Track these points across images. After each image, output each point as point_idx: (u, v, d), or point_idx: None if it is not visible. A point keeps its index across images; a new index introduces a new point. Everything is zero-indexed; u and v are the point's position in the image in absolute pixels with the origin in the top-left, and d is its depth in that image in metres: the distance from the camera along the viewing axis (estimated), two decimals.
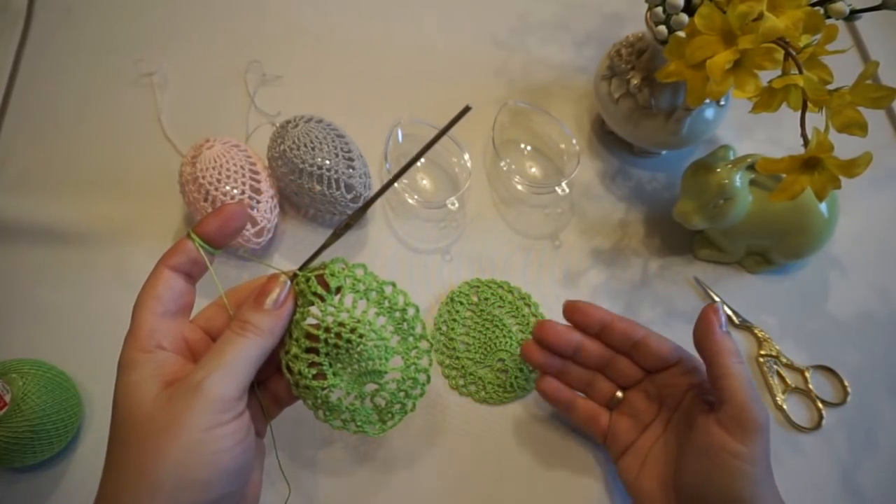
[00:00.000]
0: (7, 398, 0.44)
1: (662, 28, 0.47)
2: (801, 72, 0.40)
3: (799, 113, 0.41)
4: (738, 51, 0.40)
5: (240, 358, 0.32)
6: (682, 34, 0.43)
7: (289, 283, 0.35)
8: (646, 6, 0.48)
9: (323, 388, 0.35)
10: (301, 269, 0.35)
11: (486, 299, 0.55)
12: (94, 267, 0.55)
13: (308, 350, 0.35)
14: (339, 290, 0.35)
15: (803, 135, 0.41)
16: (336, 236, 0.36)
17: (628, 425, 0.47)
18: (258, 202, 0.52)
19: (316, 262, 0.36)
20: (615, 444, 0.47)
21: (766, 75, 0.41)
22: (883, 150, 0.61)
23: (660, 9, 0.46)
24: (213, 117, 0.62)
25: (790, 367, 0.53)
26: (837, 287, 0.57)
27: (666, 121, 0.54)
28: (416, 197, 0.57)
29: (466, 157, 0.59)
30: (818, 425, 0.51)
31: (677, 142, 0.55)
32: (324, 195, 0.53)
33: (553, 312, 0.55)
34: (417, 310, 0.39)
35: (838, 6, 0.41)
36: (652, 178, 0.61)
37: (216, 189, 0.50)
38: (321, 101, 0.63)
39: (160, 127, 0.61)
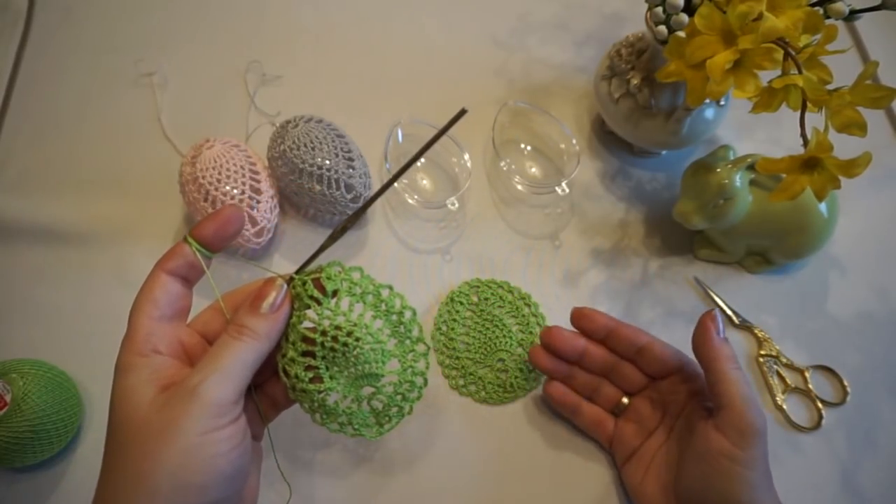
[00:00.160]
0: (7, 398, 0.44)
1: (662, 28, 0.47)
2: (800, 72, 0.40)
3: (799, 113, 0.41)
4: (738, 51, 0.40)
5: (236, 362, 0.32)
6: (682, 34, 0.43)
7: (285, 286, 0.35)
8: (646, 6, 0.48)
9: (320, 392, 0.35)
10: (297, 272, 0.35)
11: (486, 299, 0.55)
12: (94, 267, 0.55)
13: (305, 353, 0.35)
14: (335, 293, 0.35)
15: (803, 135, 0.41)
16: (333, 239, 0.35)
17: (633, 431, 0.47)
18: (258, 202, 0.52)
19: (313, 266, 0.36)
20: (620, 450, 0.47)
21: (766, 75, 0.41)
22: (883, 150, 0.62)
23: (660, 9, 0.46)
24: (213, 117, 0.62)
25: (790, 367, 0.53)
26: (837, 287, 0.57)
27: (666, 121, 0.54)
28: (416, 197, 0.57)
29: (466, 157, 0.59)
30: (818, 425, 0.51)
31: (677, 142, 0.55)
32: (324, 195, 0.53)
33: (553, 312, 0.55)
34: (414, 313, 0.39)
35: (838, 6, 0.41)
36: (652, 178, 0.61)
37: (216, 189, 0.50)
38: (321, 101, 0.63)
39: (160, 127, 0.61)
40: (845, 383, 0.53)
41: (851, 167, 0.40)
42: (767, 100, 0.42)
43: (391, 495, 0.48)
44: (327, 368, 0.36)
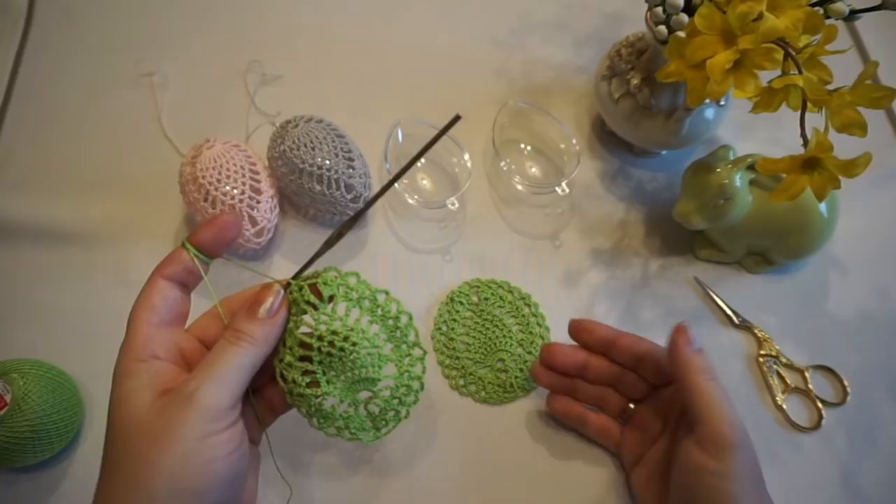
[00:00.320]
0: (7, 398, 0.44)
1: (662, 28, 0.47)
2: (800, 72, 0.40)
3: (799, 113, 0.41)
4: (738, 51, 0.40)
5: (233, 367, 0.32)
6: (682, 34, 0.43)
7: (282, 291, 0.35)
8: (646, 6, 0.48)
9: (317, 396, 0.35)
10: (294, 277, 0.35)
11: (486, 299, 0.55)
12: (94, 267, 0.55)
13: (302, 358, 0.35)
14: (331, 298, 0.35)
15: (803, 135, 0.41)
16: (329, 245, 0.36)
17: (638, 439, 0.47)
18: (258, 202, 0.52)
19: (309, 271, 0.36)
20: (627, 456, 0.48)
21: (766, 75, 0.41)
22: (883, 150, 0.61)
23: (660, 9, 0.46)
24: (213, 117, 0.62)
25: (790, 366, 0.53)
26: (837, 287, 0.57)
27: (666, 121, 0.54)
28: (416, 197, 0.57)
29: (466, 157, 0.59)
30: (818, 425, 0.51)
31: (677, 142, 0.55)
32: (324, 195, 0.53)
33: (553, 312, 0.55)
34: (410, 317, 0.39)
35: (838, 6, 0.41)
36: (652, 178, 0.61)
37: (216, 189, 0.50)
38: (321, 101, 0.63)
39: (160, 127, 0.61)
40: (845, 383, 0.53)
41: (851, 167, 0.40)
42: (767, 100, 0.42)
43: (391, 495, 0.48)
44: (324, 373, 0.36)
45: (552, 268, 0.57)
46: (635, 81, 0.53)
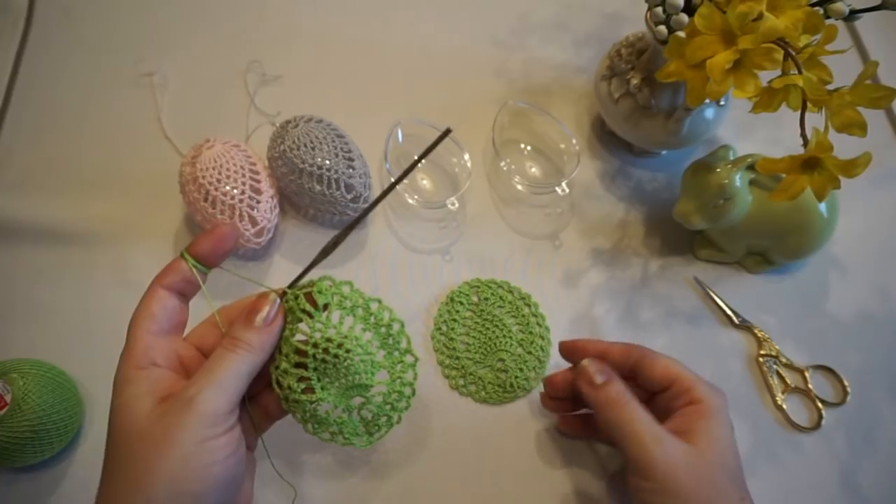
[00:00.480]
0: (7, 398, 0.44)
1: (662, 28, 0.47)
2: (800, 72, 0.40)
3: (799, 113, 0.41)
4: (737, 51, 0.40)
5: (231, 373, 0.33)
6: (682, 34, 0.43)
7: (278, 300, 0.36)
8: (646, 6, 0.48)
9: (311, 402, 0.36)
10: (290, 286, 0.36)
11: (486, 299, 0.55)
12: (94, 267, 0.55)
13: (297, 365, 0.36)
14: (326, 307, 0.36)
15: (803, 135, 0.41)
16: (324, 254, 0.36)
17: None
18: (258, 202, 0.52)
19: (304, 280, 0.37)
20: None
21: (766, 75, 0.41)
22: (883, 150, 0.61)
23: (660, 9, 0.46)
24: (213, 117, 0.62)
25: (790, 366, 0.53)
26: (837, 287, 0.57)
27: (666, 121, 0.54)
28: (416, 197, 0.57)
29: (466, 157, 0.59)
30: (818, 425, 0.51)
31: (677, 142, 0.55)
32: (324, 195, 0.53)
33: (553, 312, 0.55)
34: (402, 325, 0.39)
35: (838, 6, 0.41)
36: (652, 178, 0.61)
37: (216, 189, 0.50)
38: (321, 101, 0.63)
39: (160, 127, 0.61)
40: (845, 383, 0.53)
41: (851, 167, 0.40)
42: (767, 100, 0.42)
43: (391, 495, 0.48)
44: (319, 379, 0.36)
45: (552, 268, 0.57)
46: (635, 81, 0.53)
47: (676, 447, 0.39)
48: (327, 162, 0.52)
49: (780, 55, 0.40)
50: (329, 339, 0.36)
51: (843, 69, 0.42)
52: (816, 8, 0.40)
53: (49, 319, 0.53)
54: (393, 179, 0.56)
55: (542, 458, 0.50)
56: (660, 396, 0.45)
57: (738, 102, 0.55)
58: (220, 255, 0.36)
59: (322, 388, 0.36)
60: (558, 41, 0.68)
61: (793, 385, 0.53)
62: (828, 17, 0.41)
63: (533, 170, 0.61)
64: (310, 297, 0.36)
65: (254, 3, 0.69)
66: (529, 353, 0.53)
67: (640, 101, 0.54)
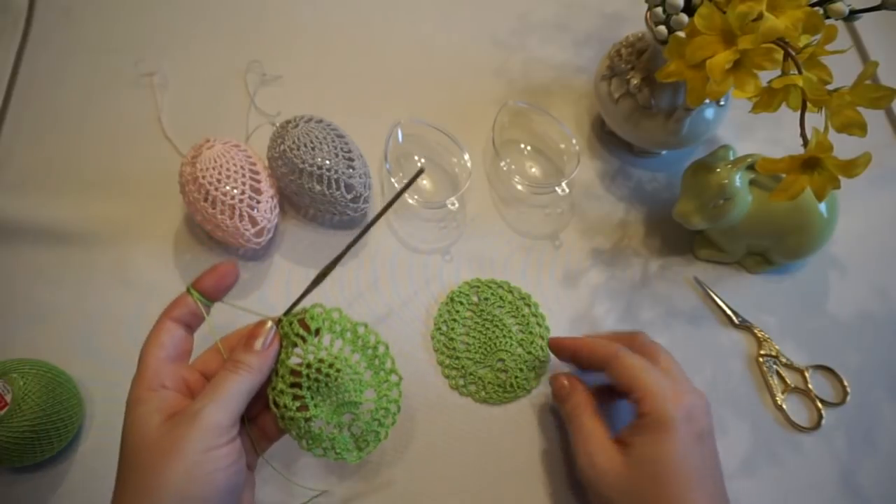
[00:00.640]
0: (8, 398, 0.44)
1: (662, 28, 0.47)
2: (800, 72, 0.40)
3: (799, 113, 0.41)
4: (737, 51, 0.40)
5: (233, 391, 0.36)
6: (682, 34, 0.43)
7: (275, 327, 0.39)
8: (646, 6, 0.48)
9: (306, 419, 0.39)
10: (285, 314, 0.40)
11: (486, 299, 0.55)
12: (94, 267, 0.55)
13: (292, 385, 0.39)
14: (318, 331, 0.39)
15: (803, 135, 0.41)
16: (315, 283, 0.40)
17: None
18: (258, 202, 0.52)
19: (297, 308, 0.40)
20: None
21: (766, 75, 0.41)
22: (882, 150, 0.61)
23: (660, 9, 0.46)
24: (213, 117, 0.62)
25: (790, 366, 0.53)
26: (837, 287, 0.57)
27: (666, 121, 0.54)
28: (416, 197, 0.57)
29: (466, 157, 0.59)
30: (818, 425, 0.51)
31: (677, 142, 0.55)
32: (324, 195, 0.53)
33: (553, 312, 0.55)
34: (387, 347, 0.43)
35: (838, 6, 0.41)
36: (652, 178, 0.61)
37: (216, 189, 0.50)
38: (321, 101, 0.63)
39: (160, 127, 0.61)
40: (845, 383, 0.53)
41: (851, 167, 0.40)
42: (767, 100, 0.42)
43: (391, 495, 0.48)
44: (312, 397, 0.40)
45: (552, 268, 0.57)
46: (635, 81, 0.53)
47: (609, 460, 0.42)
48: (327, 162, 0.52)
49: (780, 55, 0.40)
50: (321, 360, 0.39)
51: (843, 69, 0.42)
52: (816, 8, 0.40)
53: (49, 319, 0.53)
54: (393, 180, 0.56)
55: (542, 458, 0.50)
56: (628, 396, 0.45)
57: (738, 102, 0.55)
58: (222, 290, 0.40)
59: (315, 406, 0.40)
60: (558, 41, 0.68)
61: (793, 385, 0.53)
62: (828, 17, 0.41)
63: (533, 170, 0.61)
64: (303, 323, 0.39)
65: (254, 3, 0.69)
66: (529, 353, 0.53)
67: (640, 101, 0.54)
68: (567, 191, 0.56)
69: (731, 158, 0.51)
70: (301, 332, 0.39)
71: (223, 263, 0.40)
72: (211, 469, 0.34)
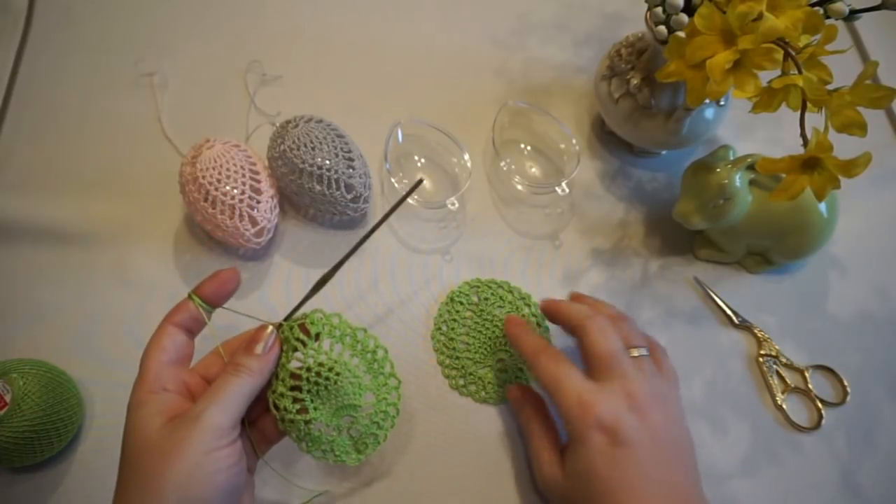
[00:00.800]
0: (7, 398, 0.44)
1: (662, 28, 0.47)
2: (800, 72, 0.40)
3: (799, 113, 0.41)
4: (737, 51, 0.40)
5: (233, 394, 0.37)
6: (682, 34, 0.43)
7: (275, 332, 0.40)
8: (646, 6, 0.48)
9: (306, 422, 0.40)
10: (285, 319, 0.40)
11: (486, 299, 0.55)
12: (94, 267, 0.55)
13: (292, 388, 0.40)
14: (318, 336, 0.40)
15: (803, 135, 0.41)
16: (315, 290, 0.41)
17: None
18: (258, 202, 0.52)
19: (298, 314, 0.40)
20: None
21: (766, 75, 0.41)
22: (883, 150, 0.62)
23: (660, 9, 0.46)
24: (213, 117, 0.62)
25: (790, 366, 0.53)
26: (837, 287, 0.57)
27: (666, 121, 0.54)
28: (416, 197, 0.57)
29: (466, 157, 0.59)
30: (818, 425, 0.51)
31: (677, 142, 0.55)
32: (324, 195, 0.53)
33: None
34: (386, 351, 0.43)
35: (838, 6, 0.41)
36: (652, 178, 0.61)
37: (216, 189, 0.50)
38: (321, 101, 0.63)
39: (160, 127, 0.61)
40: (845, 383, 0.53)
41: (851, 167, 0.40)
42: (767, 100, 0.42)
43: (390, 495, 0.48)
44: (312, 400, 0.40)
45: (552, 268, 0.57)
46: (635, 81, 0.53)
47: (553, 473, 0.43)
48: (327, 162, 0.52)
49: (780, 55, 0.40)
50: (321, 364, 0.40)
51: (843, 69, 0.42)
52: (816, 8, 0.40)
53: (49, 319, 0.53)
54: (393, 180, 0.56)
55: None
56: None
57: (738, 102, 0.55)
58: (223, 296, 0.40)
59: (315, 409, 0.40)
60: (558, 41, 0.68)
61: (793, 385, 0.53)
62: (828, 17, 0.41)
63: (533, 170, 0.61)
64: (303, 328, 0.40)
65: (254, 3, 0.69)
66: None
67: (640, 101, 0.54)
68: (567, 191, 0.56)
69: (731, 158, 0.51)
70: (301, 336, 0.40)
71: (224, 270, 0.40)
72: (212, 470, 0.34)
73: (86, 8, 0.68)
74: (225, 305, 0.41)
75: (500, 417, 0.51)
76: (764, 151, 0.51)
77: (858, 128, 0.40)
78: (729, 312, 0.55)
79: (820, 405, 0.52)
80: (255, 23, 0.68)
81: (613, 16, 0.70)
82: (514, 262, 0.57)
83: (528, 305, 0.55)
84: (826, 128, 0.40)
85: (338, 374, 0.40)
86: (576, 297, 0.52)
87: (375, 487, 0.48)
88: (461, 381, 0.52)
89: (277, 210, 0.54)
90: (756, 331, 0.54)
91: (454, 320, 0.54)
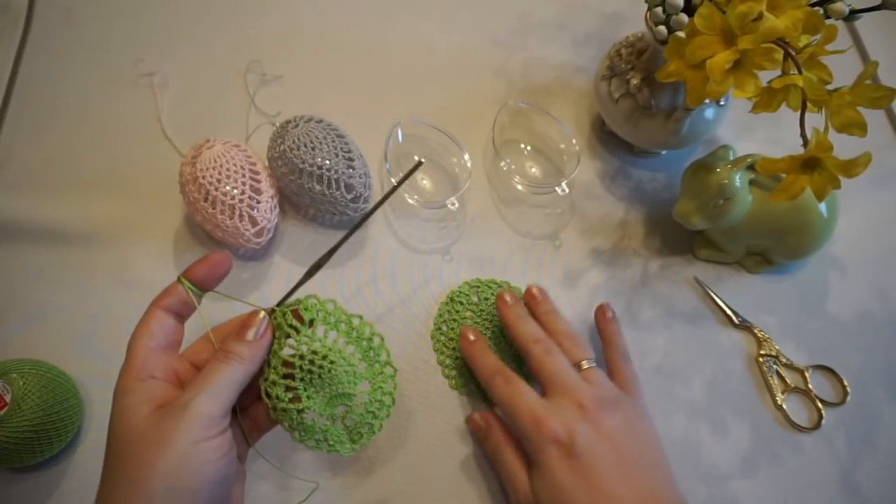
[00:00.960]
0: (7, 398, 0.44)
1: (662, 28, 0.47)
2: (800, 72, 0.40)
3: (799, 113, 0.41)
4: (737, 51, 0.40)
5: (223, 381, 0.35)
6: (682, 34, 0.43)
7: (267, 317, 0.38)
8: (646, 6, 0.48)
9: (298, 411, 0.39)
10: (278, 305, 0.39)
11: (485, 299, 0.55)
12: (94, 267, 0.55)
13: (285, 376, 0.39)
14: (312, 322, 0.39)
15: (803, 135, 0.41)
16: (309, 275, 0.40)
17: None
18: (258, 202, 0.52)
19: (292, 299, 0.39)
20: None
21: (766, 75, 0.41)
22: (882, 150, 0.62)
23: (660, 9, 0.46)
24: (213, 117, 0.62)
25: (790, 366, 0.53)
26: (837, 287, 0.57)
27: (666, 121, 0.54)
28: (416, 197, 0.57)
29: (466, 157, 0.59)
30: (818, 425, 0.51)
31: (677, 142, 0.55)
32: (324, 195, 0.53)
33: None
34: (382, 339, 0.42)
35: (838, 6, 0.41)
36: (652, 178, 0.61)
37: (216, 189, 0.50)
38: (321, 101, 0.63)
39: (160, 127, 0.61)
40: (845, 383, 0.53)
41: (851, 167, 0.40)
42: (767, 100, 0.42)
43: (389, 494, 0.48)
44: (305, 389, 0.39)
45: (552, 268, 0.57)
46: (635, 81, 0.53)
47: (526, 497, 0.42)
48: (327, 162, 0.52)
49: (780, 55, 0.40)
50: (314, 352, 0.39)
51: (843, 69, 0.42)
52: (816, 8, 0.40)
53: (49, 319, 0.53)
54: (393, 180, 0.56)
55: None
56: None
57: (738, 102, 0.55)
58: (214, 279, 0.39)
59: (308, 398, 0.39)
60: (558, 41, 0.68)
61: (793, 385, 0.53)
62: (828, 17, 0.41)
63: (533, 170, 0.61)
64: (296, 314, 0.39)
65: (254, 3, 0.69)
66: None
67: (640, 101, 0.54)
68: (567, 191, 0.56)
69: (731, 158, 0.51)
70: (294, 322, 0.39)
71: (215, 253, 0.39)
72: (201, 461, 0.33)
73: (86, 8, 0.68)
74: (216, 289, 0.39)
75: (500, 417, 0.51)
76: (764, 151, 0.51)
77: (858, 128, 0.40)
78: (729, 312, 0.55)
79: (820, 405, 0.52)
80: (255, 23, 0.68)
81: (613, 16, 0.70)
82: (514, 262, 0.57)
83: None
84: (826, 128, 0.40)
85: (332, 361, 0.39)
86: (529, 299, 0.52)
87: (375, 488, 0.48)
88: (461, 381, 0.52)
89: (277, 210, 0.54)
90: (756, 331, 0.54)
91: (454, 320, 0.54)
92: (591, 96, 0.62)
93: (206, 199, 0.51)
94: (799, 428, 0.51)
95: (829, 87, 0.40)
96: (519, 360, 0.53)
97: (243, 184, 0.51)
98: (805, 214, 0.51)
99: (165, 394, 0.36)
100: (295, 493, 0.47)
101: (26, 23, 0.67)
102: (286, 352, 0.39)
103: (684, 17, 0.44)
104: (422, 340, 0.54)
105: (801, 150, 0.41)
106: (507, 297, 0.51)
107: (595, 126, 0.63)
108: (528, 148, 0.62)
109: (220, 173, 0.50)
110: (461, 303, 0.54)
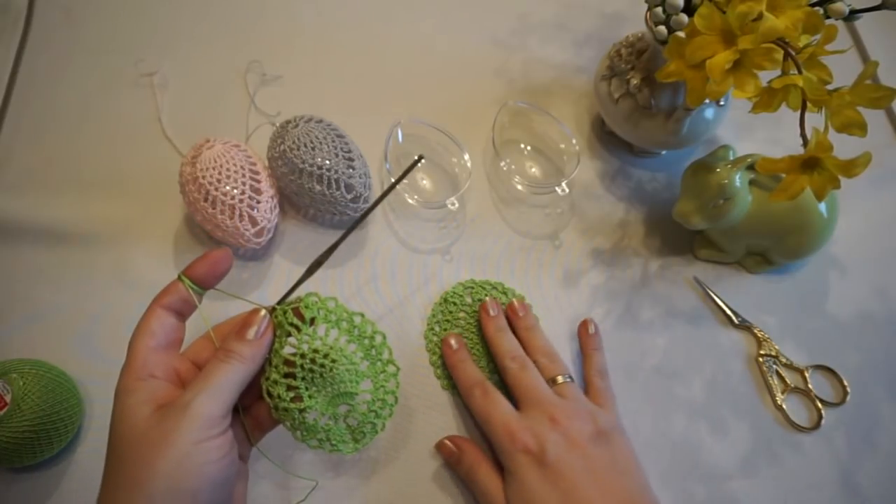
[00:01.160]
0: (7, 398, 0.44)
1: (662, 28, 0.47)
2: (800, 72, 0.40)
3: (799, 113, 0.41)
4: (737, 51, 0.40)
5: (224, 381, 0.35)
6: (682, 34, 0.43)
7: (268, 316, 0.38)
8: (646, 6, 0.48)
9: (300, 410, 0.38)
10: (279, 303, 0.39)
11: (479, 300, 0.55)
12: (94, 267, 0.55)
13: (286, 375, 0.38)
14: (313, 320, 0.39)
15: (803, 135, 0.41)
16: (309, 273, 0.40)
17: None
18: (258, 202, 0.52)
19: (292, 297, 0.39)
20: None
21: (766, 75, 0.41)
22: (883, 150, 0.62)
23: (660, 9, 0.46)
24: (213, 117, 0.62)
25: (790, 366, 0.53)
26: (837, 287, 0.57)
27: (666, 121, 0.54)
28: (416, 197, 0.57)
29: (466, 157, 0.59)
30: (817, 425, 0.51)
31: (677, 142, 0.55)
32: (324, 195, 0.53)
33: (552, 313, 0.55)
34: (384, 337, 0.42)
35: (838, 6, 0.41)
36: (652, 178, 0.61)
37: (216, 189, 0.50)
38: (321, 101, 0.63)
39: (160, 127, 0.61)
40: (845, 383, 0.53)
41: (851, 167, 0.40)
42: (767, 100, 0.42)
43: (384, 496, 0.48)
44: (307, 388, 0.39)
45: (552, 268, 0.57)
46: (635, 81, 0.53)
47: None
48: (327, 162, 0.52)
49: (780, 55, 0.40)
50: (316, 350, 0.38)
51: (843, 69, 0.42)
52: (816, 8, 0.40)
53: (49, 319, 0.53)
54: (393, 180, 0.56)
55: None
56: None
57: (738, 102, 0.55)
58: (214, 277, 0.38)
59: (310, 397, 0.39)
60: (558, 41, 0.68)
61: (792, 385, 0.53)
62: (828, 17, 0.41)
63: (533, 170, 0.61)
64: (297, 312, 0.38)
65: (254, 3, 0.69)
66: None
67: (640, 101, 0.54)
68: (567, 191, 0.56)
69: (731, 158, 0.51)
70: (295, 321, 0.38)
71: (216, 250, 0.38)
72: (202, 461, 0.33)
73: (86, 8, 0.68)
74: (217, 287, 0.39)
75: None
76: (764, 151, 0.51)
77: (858, 128, 0.40)
78: (729, 312, 0.55)
79: (820, 405, 0.52)
80: (255, 23, 0.68)
81: (613, 16, 0.70)
82: (514, 262, 0.57)
83: None
84: (826, 128, 0.40)
85: (333, 360, 0.39)
86: (511, 314, 0.52)
87: (371, 485, 0.48)
88: (451, 382, 0.52)
89: (277, 210, 0.54)
90: (756, 331, 0.54)
91: (447, 321, 0.54)
92: (591, 96, 0.62)
93: (206, 199, 0.51)
94: (799, 428, 0.51)
95: (829, 87, 0.40)
96: None
97: (243, 184, 0.51)
98: (805, 214, 0.51)
99: (166, 393, 0.35)
100: (296, 493, 0.47)
101: (26, 23, 0.67)
102: (287, 350, 0.38)
103: (684, 17, 0.44)
104: (422, 340, 0.54)
105: (801, 150, 0.41)
106: (490, 309, 0.52)
107: (595, 126, 0.63)
108: (528, 148, 0.62)
109: (220, 173, 0.50)
110: (455, 303, 0.54)
